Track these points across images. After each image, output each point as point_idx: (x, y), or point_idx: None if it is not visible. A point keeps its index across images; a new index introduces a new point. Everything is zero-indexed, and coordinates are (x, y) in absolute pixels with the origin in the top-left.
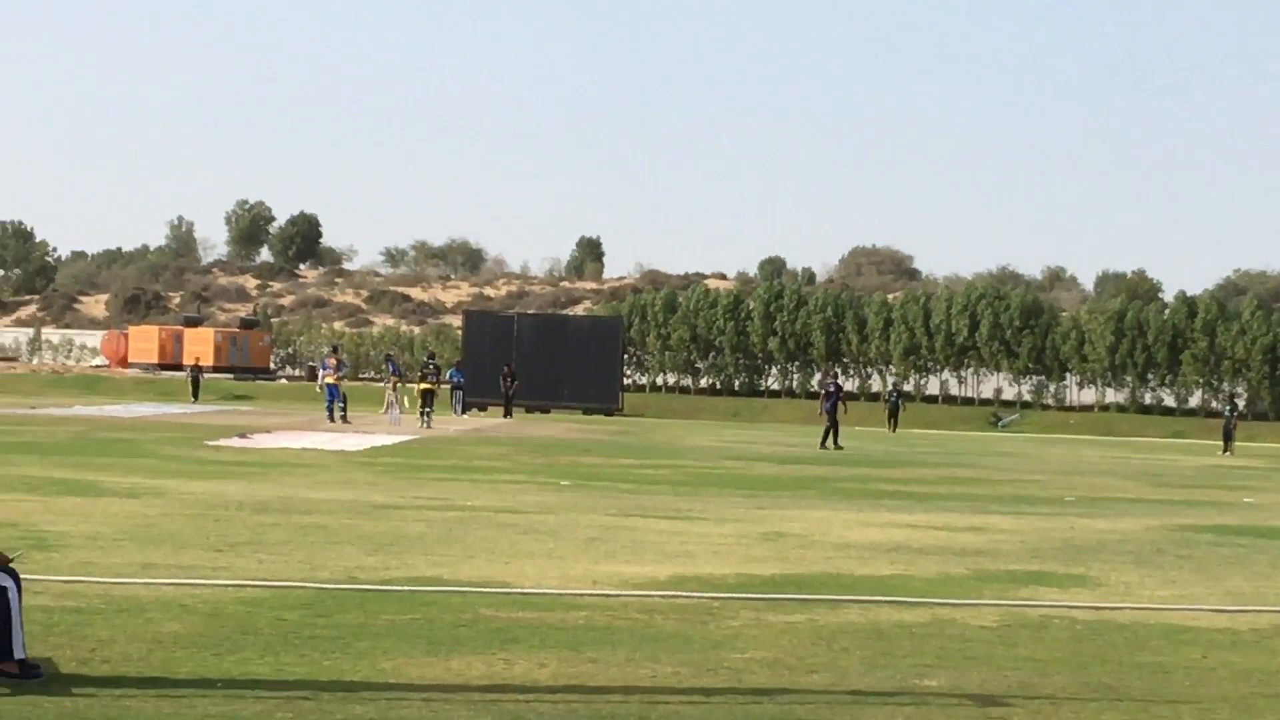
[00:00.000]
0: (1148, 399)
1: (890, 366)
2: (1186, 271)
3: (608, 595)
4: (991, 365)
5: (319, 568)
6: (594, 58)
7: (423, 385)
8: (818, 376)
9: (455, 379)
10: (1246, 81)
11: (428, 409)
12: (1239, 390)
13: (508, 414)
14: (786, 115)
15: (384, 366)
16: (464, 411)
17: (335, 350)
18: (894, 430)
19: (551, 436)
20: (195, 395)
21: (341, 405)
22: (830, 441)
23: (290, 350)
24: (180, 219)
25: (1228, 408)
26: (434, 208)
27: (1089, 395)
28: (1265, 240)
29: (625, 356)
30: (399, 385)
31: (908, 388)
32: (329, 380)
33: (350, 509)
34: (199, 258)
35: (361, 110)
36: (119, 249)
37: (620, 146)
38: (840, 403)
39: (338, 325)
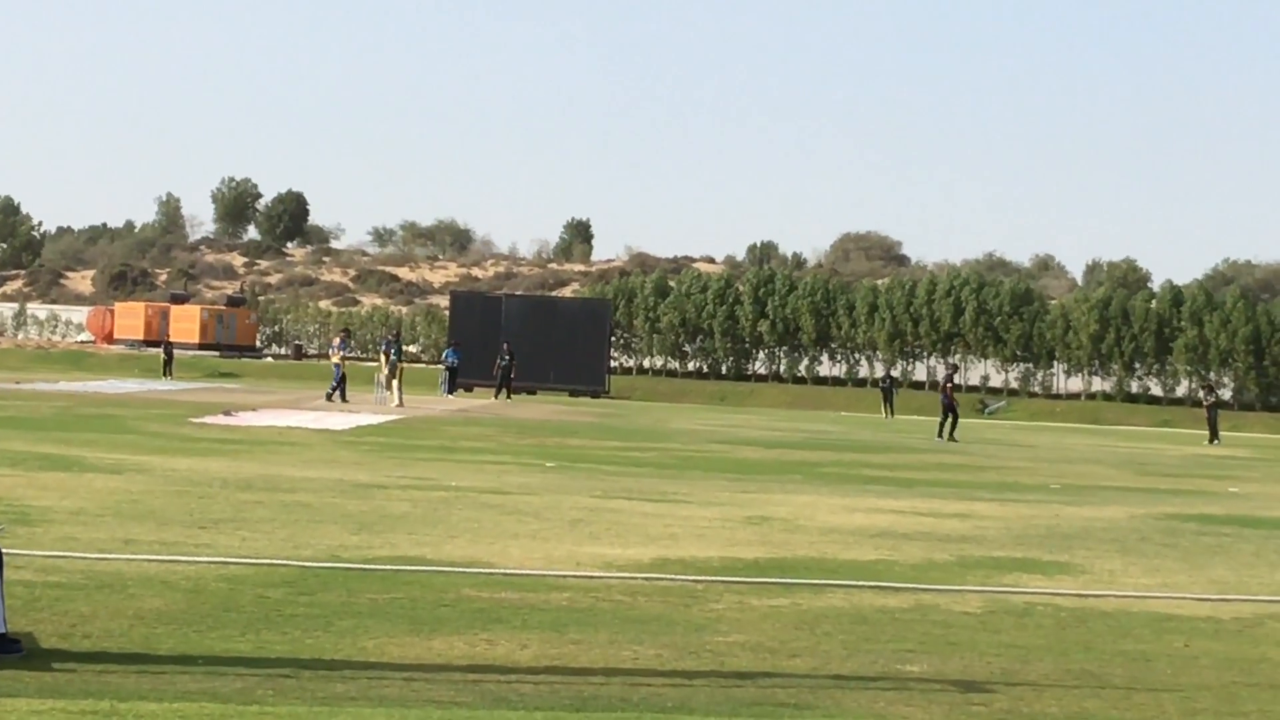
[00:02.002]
0: (1135, 388)
1: (877, 352)
2: (1177, 261)
3: (591, 577)
4: (979, 352)
5: (302, 546)
6: (585, 40)
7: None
8: (807, 362)
9: (451, 359)
10: (1239, 72)
11: (395, 383)
12: (1221, 380)
13: (508, 395)
14: (778, 99)
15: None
16: (451, 392)
17: (346, 332)
18: (890, 416)
19: (537, 418)
20: (168, 371)
21: (333, 384)
22: (948, 432)
23: (276, 328)
24: (170, 195)
25: (1207, 397)
26: (422, 188)
27: (1076, 383)
28: (1255, 231)
29: (612, 339)
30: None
31: (895, 373)
32: (335, 360)
33: (334, 488)
34: (186, 235)
35: (351, 89)
36: (105, 225)
37: (610, 129)
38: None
39: (324, 304)
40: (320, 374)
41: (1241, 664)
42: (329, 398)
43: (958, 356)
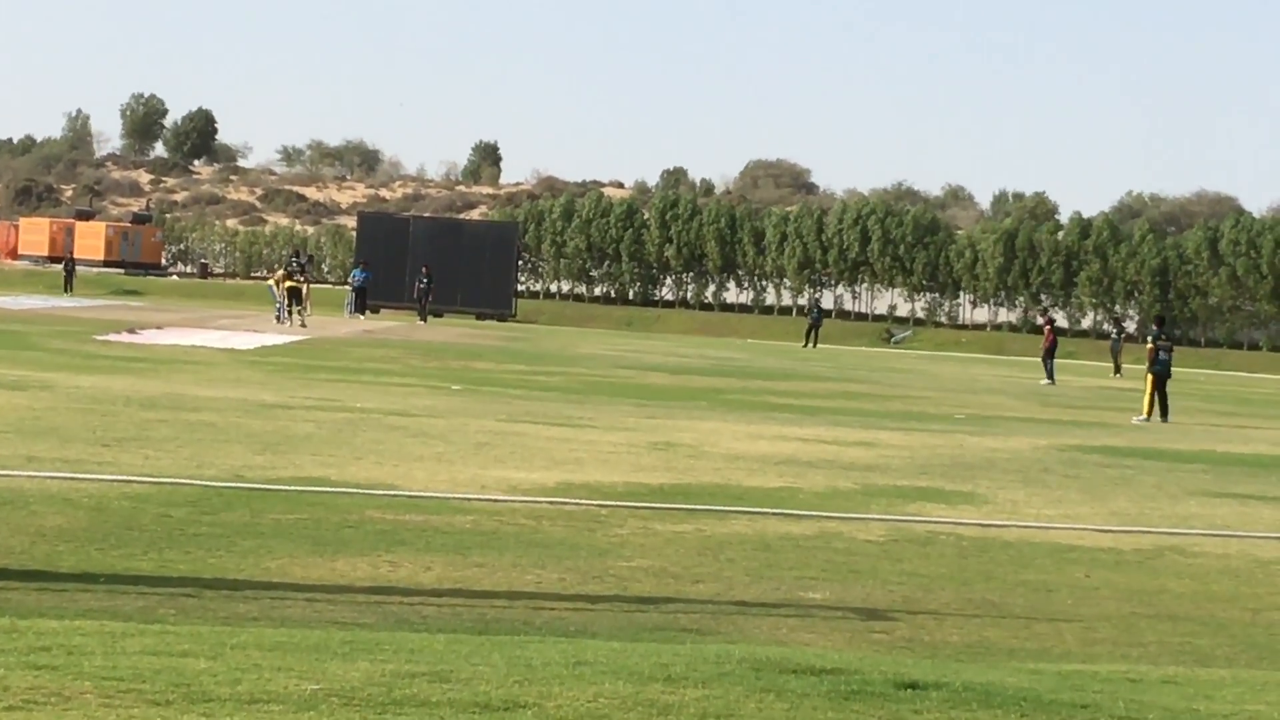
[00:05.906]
0: (1040, 319)
1: (784, 280)
2: (1085, 194)
3: (495, 500)
4: (885, 281)
5: (206, 465)
6: None
7: (288, 283)
8: (714, 288)
9: (358, 279)
10: (1149, 6)
11: (298, 307)
12: (1127, 313)
13: (423, 318)
14: (689, 24)
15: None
16: (362, 312)
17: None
18: (814, 346)
19: (443, 341)
20: (69, 287)
21: (278, 306)
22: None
23: (182, 247)
24: (79, 111)
25: (1114, 331)
26: (331, 107)
27: (982, 314)
28: (1162, 164)
29: (520, 262)
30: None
31: (802, 301)
32: (271, 282)
33: (239, 407)
34: (93, 150)
35: (261, 7)
36: (10, 139)
37: (521, 51)
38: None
39: (231, 223)
40: (224, 293)
41: (1141, 595)
42: (279, 319)
43: (864, 285)
